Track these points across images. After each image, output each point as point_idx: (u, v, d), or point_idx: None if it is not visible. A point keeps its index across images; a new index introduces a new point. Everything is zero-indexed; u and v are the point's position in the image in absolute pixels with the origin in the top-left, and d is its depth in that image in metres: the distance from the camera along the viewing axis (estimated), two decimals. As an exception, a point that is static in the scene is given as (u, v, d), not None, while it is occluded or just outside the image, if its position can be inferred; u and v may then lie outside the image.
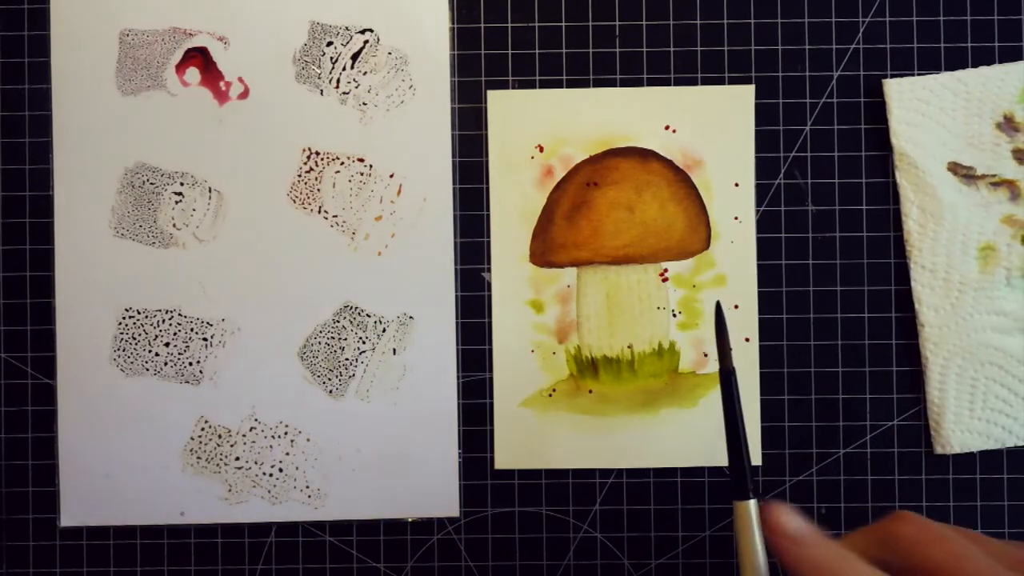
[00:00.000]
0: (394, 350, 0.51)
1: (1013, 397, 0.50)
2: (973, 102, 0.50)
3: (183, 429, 0.50)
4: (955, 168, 0.50)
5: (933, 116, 0.50)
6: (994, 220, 0.50)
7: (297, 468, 0.51)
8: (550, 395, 0.51)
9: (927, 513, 0.51)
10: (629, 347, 0.51)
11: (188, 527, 0.51)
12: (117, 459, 0.50)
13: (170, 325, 0.50)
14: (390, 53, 0.51)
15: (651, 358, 0.51)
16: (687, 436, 0.51)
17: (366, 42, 0.51)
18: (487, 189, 0.51)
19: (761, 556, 0.39)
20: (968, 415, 0.50)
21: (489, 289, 0.51)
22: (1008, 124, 0.50)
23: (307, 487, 0.51)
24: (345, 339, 0.51)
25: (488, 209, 0.51)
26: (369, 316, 0.51)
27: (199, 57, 0.51)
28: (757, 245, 0.51)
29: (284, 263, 0.51)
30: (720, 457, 0.51)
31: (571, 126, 0.51)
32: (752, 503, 0.40)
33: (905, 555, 0.36)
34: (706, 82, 0.51)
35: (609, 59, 0.51)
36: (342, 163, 0.51)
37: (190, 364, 0.50)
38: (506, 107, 0.51)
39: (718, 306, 0.44)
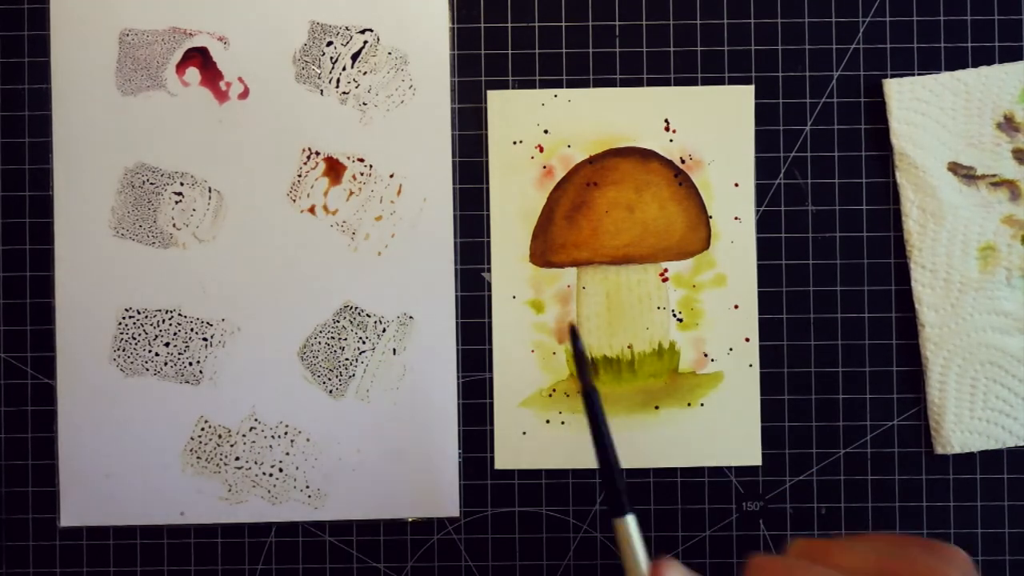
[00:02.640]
0: (394, 350, 0.51)
1: (1013, 397, 0.50)
2: (973, 102, 0.50)
3: (183, 429, 0.50)
4: (955, 168, 0.50)
5: (933, 116, 0.50)
6: (994, 220, 0.50)
7: (297, 468, 0.51)
8: (550, 395, 0.51)
9: (927, 513, 0.51)
10: (629, 347, 0.51)
11: (188, 527, 0.51)
12: (117, 459, 0.50)
13: (170, 325, 0.51)
14: (390, 53, 0.51)
15: (651, 358, 0.51)
16: (687, 436, 0.51)
17: (366, 42, 0.51)
18: (487, 189, 0.51)
19: (644, 569, 0.39)
20: (968, 415, 0.50)
21: (489, 289, 0.51)
22: (1008, 124, 0.50)
23: (307, 487, 0.51)
24: (345, 339, 0.51)
25: (488, 209, 0.51)
26: (369, 316, 0.51)
27: (199, 57, 0.51)
28: (757, 245, 0.51)
29: (284, 263, 0.51)
30: (720, 457, 0.51)
31: (571, 126, 0.51)
32: (629, 519, 0.40)
33: None
34: (706, 82, 0.51)
35: (609, 59, 0.51)
36: (342, 163, 0.51)
37: (190, 364, 0.50)
38: (506, 107, 0.51)
39: (572, 329, 0.45)
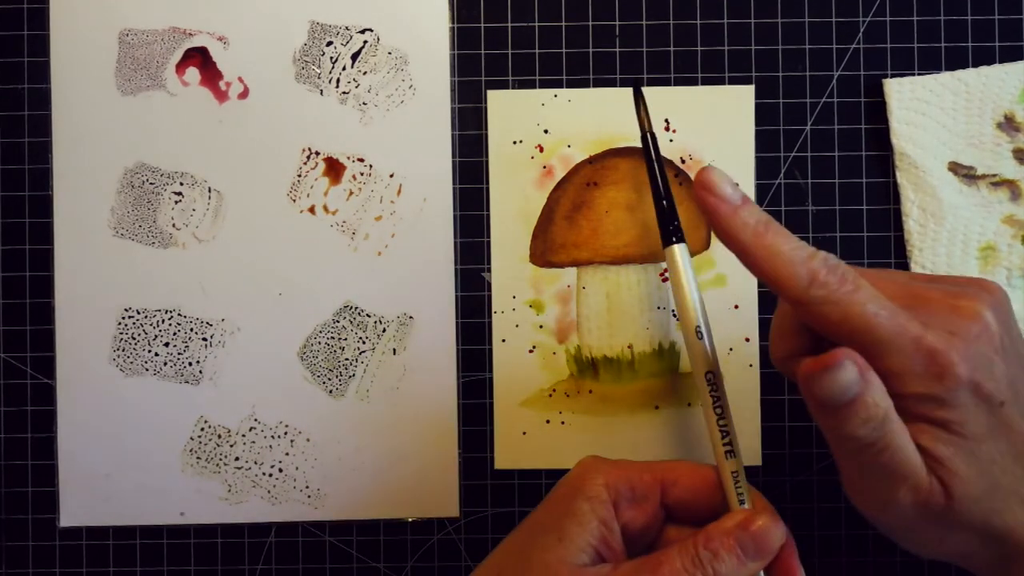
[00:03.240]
0: (394, 350, 0.51)
1: (1013, 397, 0.50)
2: (974, 102, 0.50)
3: (183, 429, 0.50)
4: (955, 168, 0.50)
5: (933, 116, 0.50)
6: (995, 220, 0.50)
7: (297, 468, 0.51)
8: (550, 395, 0.51)
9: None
10: (629, 347, 0.51)
11: (188, 527, 0.51)
12: (117, 459, 0.50)
13: (170, 325, 0.50)
14: (390, 53, 0.51)
15: (651, 358, 0.51)
16: (687, 436, 0.51)
17: (366, 42, 0.51)
18: (487, 189, 0.51)
19: (695, 296, 0.40)
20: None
21: (489, 289, 0.51)
22: (1009, 124, 0.50)
23: (307, 487, 0.51)
24: (345, 339, 0.51)
25: (488, 209, 0.51)
26: (369, 316, 0.51)
27: (199, 57, 0.51)
28: (757, 245, 0.51)
29: (284, 263, 0.51)
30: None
31: (571, 126, 0.51)
32: (680, 247, 0.41)
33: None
34: (706, 82, 0.51)
35: (609, 59, 0.51)
36: (342, 163, 0.51)
37: (190, 364, 0.50)
38: (506, 107, 0.51)
39: (635, 84, 0.47)
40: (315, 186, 0.51)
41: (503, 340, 0.51)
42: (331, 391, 0.51)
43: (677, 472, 0.39)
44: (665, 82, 0.51)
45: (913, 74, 0.51)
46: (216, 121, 0.51)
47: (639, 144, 0.51)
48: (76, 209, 0.50)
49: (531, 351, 0.51)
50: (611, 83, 0.51)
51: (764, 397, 0.51)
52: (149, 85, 0.51)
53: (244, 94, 0.51)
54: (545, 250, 0.51)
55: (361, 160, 0.51)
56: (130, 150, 0.51)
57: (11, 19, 0.51)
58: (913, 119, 0.50)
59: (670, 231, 0.42)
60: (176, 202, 0.51)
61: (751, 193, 0.51)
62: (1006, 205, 0.50)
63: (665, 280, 0.51)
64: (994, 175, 0.50)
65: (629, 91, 0.51)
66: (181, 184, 0.51)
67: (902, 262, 0.51)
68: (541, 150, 0.51)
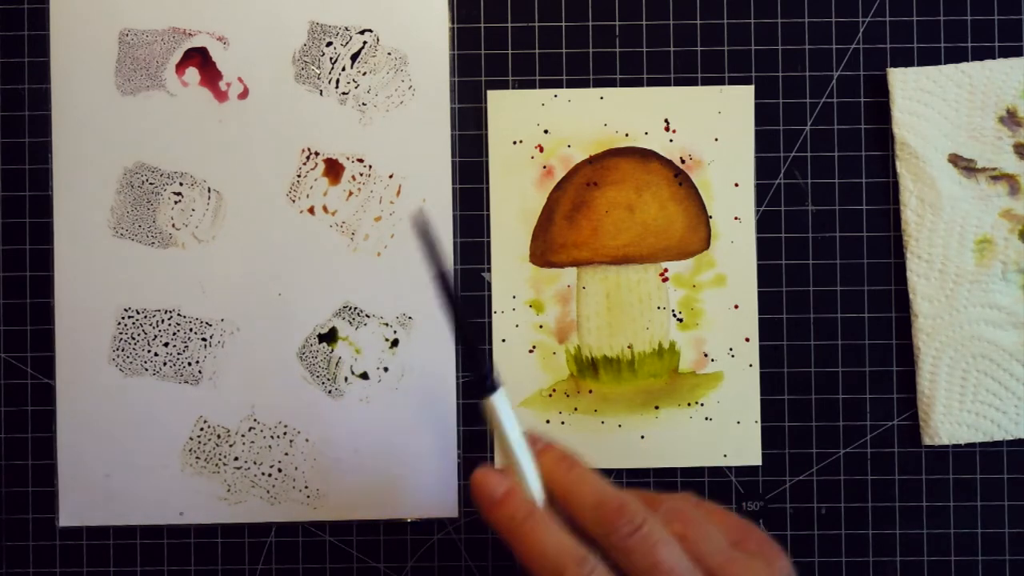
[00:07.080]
0: (394, 350, 0.51)
1: (1004, 391, 0.50)
2: (977, 95, 0.50)
3: (182, 429, 0.50)
4: (955, 160, 0.50)
5: (936, 107, 0.50)
6: (992, 214, 0.50)
7: (296, 468, 0.50)
8: (550, 395, 0.51)
9: (927, 513, 0.50)
10: (629, 347, 0.51)
11: (187, 527, 0.51)
12: (117, 459, 0.50)
13: (169, 325, 0.50)
14: (390, 53, 0.51)
15: (651, 358, 0.51)
16: (687, 436, 0.51)
17: (365, 42, 0.51)
18: (487, 189, 0.51)
19: (518, 447, 0.39)
20: (958, 407, 0.50)
21: (489, 289, 0.51)
22: (1011, 118, 0.50)
23: (306, 487, 0.50)
24: (345, 339, 0.51)
25: (488, 209, 0.51)
26: (369, 316, 0.51)
27: (198, 57, 0.51)
28: (757, 245, 0.51)
29: (284, 263, 0.51)
30: (720, 457, 0.50)
31: (571, 126, 0.51)
32: (496, 396, 0.39)
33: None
34: (706, 82, 0.51)
35: (609, 59, 0.51)
36: (342, 164, 0.51)
37: (189, 364, 0.50)
38: (506, 107, 0.51)
39: (419, 218, 0.44)
40: (315, 186, 0.51)
41: (503, 340, 0.51)
42: (330, 391, 0.51)
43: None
44: (665, 82, 0.51)
45: (913, 74, 0.51)
46: (216, 121, 0.51)
47: (639, 144, 0.51)
48: (76, 209, 0.50)
49: (531, 351, 0.51)
50: (611, 83, 0.51)
51: (764, 397, 0.51)
52: (149, 85, 0.51)
53: (244, 94, 0.51)
54: (545, 250, 0.51)
55: (361, 160, 0.51)
56: (130, 150, 0.51)
57: (11, 19, 0.51)
58: (915, 109, 0.50)
59: (486, 383, 0.39)
60: (176, 202, 0.51)
61: (751, 193, 0.51)
62: (1004, 199, 0.50)
63: (665, 280, 0.51)
64: (994, 169, 0.50)
65: (629, 91, 0.51)
66: (181, 184, 0.51)
67: (902, 262, 0.51)
68: (541, 150, 0.51)
